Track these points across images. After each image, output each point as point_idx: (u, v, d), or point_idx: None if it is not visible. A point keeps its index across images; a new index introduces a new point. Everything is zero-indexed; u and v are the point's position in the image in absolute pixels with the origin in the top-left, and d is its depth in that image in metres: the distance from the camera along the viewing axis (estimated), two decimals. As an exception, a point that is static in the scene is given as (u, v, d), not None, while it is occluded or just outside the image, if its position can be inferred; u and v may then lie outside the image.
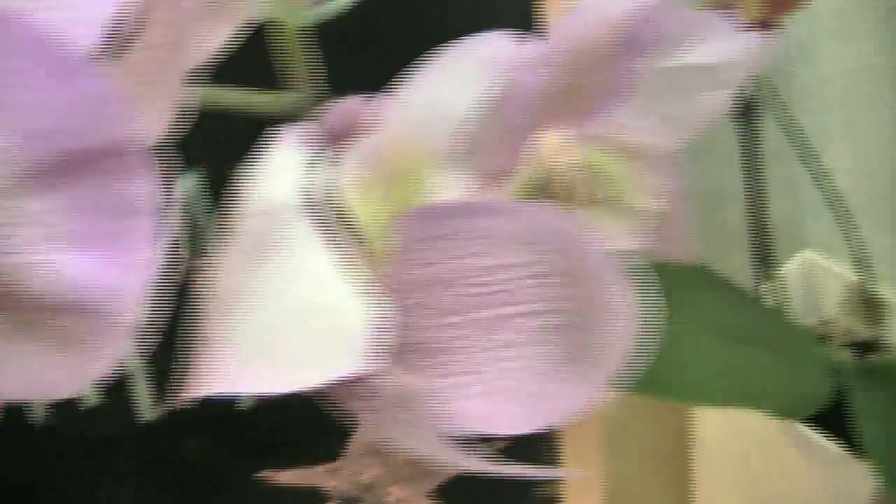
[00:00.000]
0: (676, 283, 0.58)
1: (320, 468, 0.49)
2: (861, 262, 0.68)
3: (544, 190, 0.28)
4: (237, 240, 0.22)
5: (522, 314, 0.21)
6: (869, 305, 0.74)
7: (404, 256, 0.21)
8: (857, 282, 0.72)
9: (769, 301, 0.71)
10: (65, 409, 0.47)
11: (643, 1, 0.26)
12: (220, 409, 0.50)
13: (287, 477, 0.49)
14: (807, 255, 0.83)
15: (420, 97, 0.25)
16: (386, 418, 0.22)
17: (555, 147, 0.28)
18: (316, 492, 0.49)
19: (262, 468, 0.50)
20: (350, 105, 0.24)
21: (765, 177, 0.63)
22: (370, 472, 0.47)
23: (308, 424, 0.47)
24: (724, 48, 0.29)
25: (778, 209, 0.87)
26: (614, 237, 0.30)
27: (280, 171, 0.22)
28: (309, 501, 0.50)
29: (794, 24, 0.73)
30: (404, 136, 0.24)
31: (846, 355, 0.81)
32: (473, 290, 0.21)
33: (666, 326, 0.57)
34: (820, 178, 0.61)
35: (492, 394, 0.21)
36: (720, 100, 0.30)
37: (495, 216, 0.21)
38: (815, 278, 0.83)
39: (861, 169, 0.79)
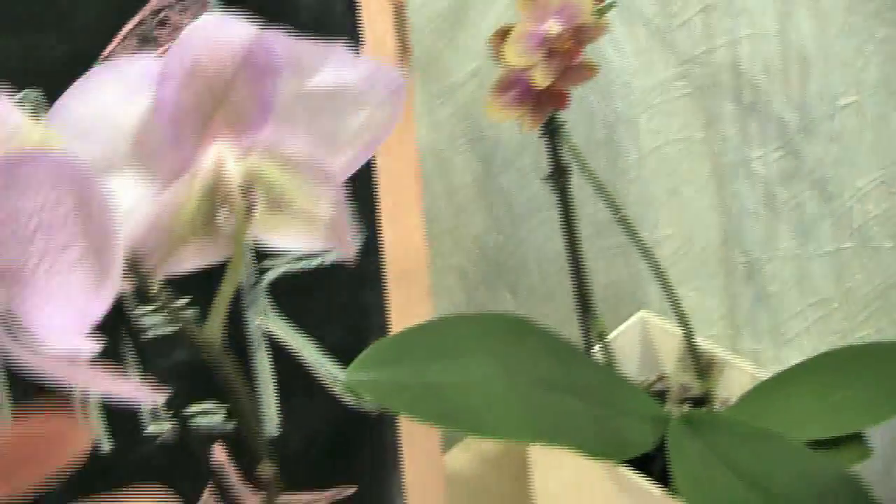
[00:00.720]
0: (499, 332, 0.62)
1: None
2: (686, 324, 0.73)
3: (218, 193, 0.32)
4: None
5: (62, 244, 0.26)
6: (699, 363, 0.79)
7: None
8: (687, 341, 0.76)
9: (600, 358, 0.75)
10: None
11: (247, 30, 0.30)
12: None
13: None
14: (643, 316, 0.87)
15: (82, 108, 0.29)
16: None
17: (218, 156, 0.31)
18: None
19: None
20: None
21: (581, 244, 0.67)
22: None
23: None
24: (348, 73, 0.32)
25: (618, 272, 0.92)
26: (293, 237, 0.34)
27: None
28: None
29: (618, 99, 0.79)
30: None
31: (681, 409, 0.86)
32: (30, 226, 0.26)
33: (481, 370, 0.61)
34: (640, 246, 0.65)
35: (52, 308, 0.26)
36: (373, 121, 0.33)
37: (26, 164, 0.25)
38: (652, 337, 0.88)
39: (685, 234, 0.84)
